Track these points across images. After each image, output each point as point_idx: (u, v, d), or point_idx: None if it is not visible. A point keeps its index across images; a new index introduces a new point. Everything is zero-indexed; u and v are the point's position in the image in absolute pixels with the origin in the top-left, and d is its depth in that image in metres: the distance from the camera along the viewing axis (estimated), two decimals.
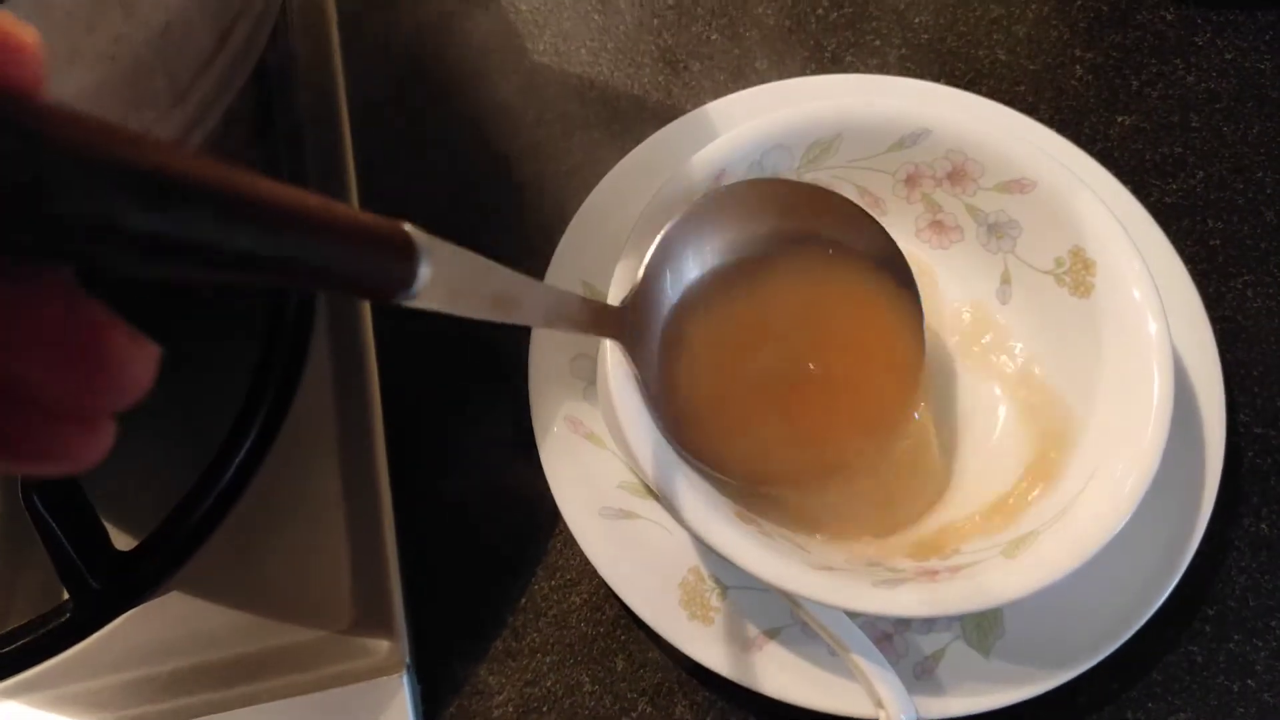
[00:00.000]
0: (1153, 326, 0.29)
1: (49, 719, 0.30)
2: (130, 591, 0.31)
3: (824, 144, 0.33)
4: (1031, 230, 0.33)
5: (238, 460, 0.33)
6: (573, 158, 0.39)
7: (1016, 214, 0.33)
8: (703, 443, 0.30)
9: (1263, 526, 0.33)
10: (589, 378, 0.34)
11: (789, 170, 0.34)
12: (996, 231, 0.33)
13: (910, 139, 0.33)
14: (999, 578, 0.27)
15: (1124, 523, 0.27)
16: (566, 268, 0.35)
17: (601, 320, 0.27)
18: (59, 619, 0.31)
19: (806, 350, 0.32)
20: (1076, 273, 0.32)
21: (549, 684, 0.31)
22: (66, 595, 0.31)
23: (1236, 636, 0.32)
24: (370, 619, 0.31)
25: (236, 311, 0.36)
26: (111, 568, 0.31)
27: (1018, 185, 0.32)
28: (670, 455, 0.29)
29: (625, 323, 0.28)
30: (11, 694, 0.30)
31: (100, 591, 0.31)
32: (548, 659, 0.32)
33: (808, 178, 0.34)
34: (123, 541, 0.32)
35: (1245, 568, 0.32)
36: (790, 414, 0.31)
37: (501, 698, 0.31)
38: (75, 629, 0.31)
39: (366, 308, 0.35)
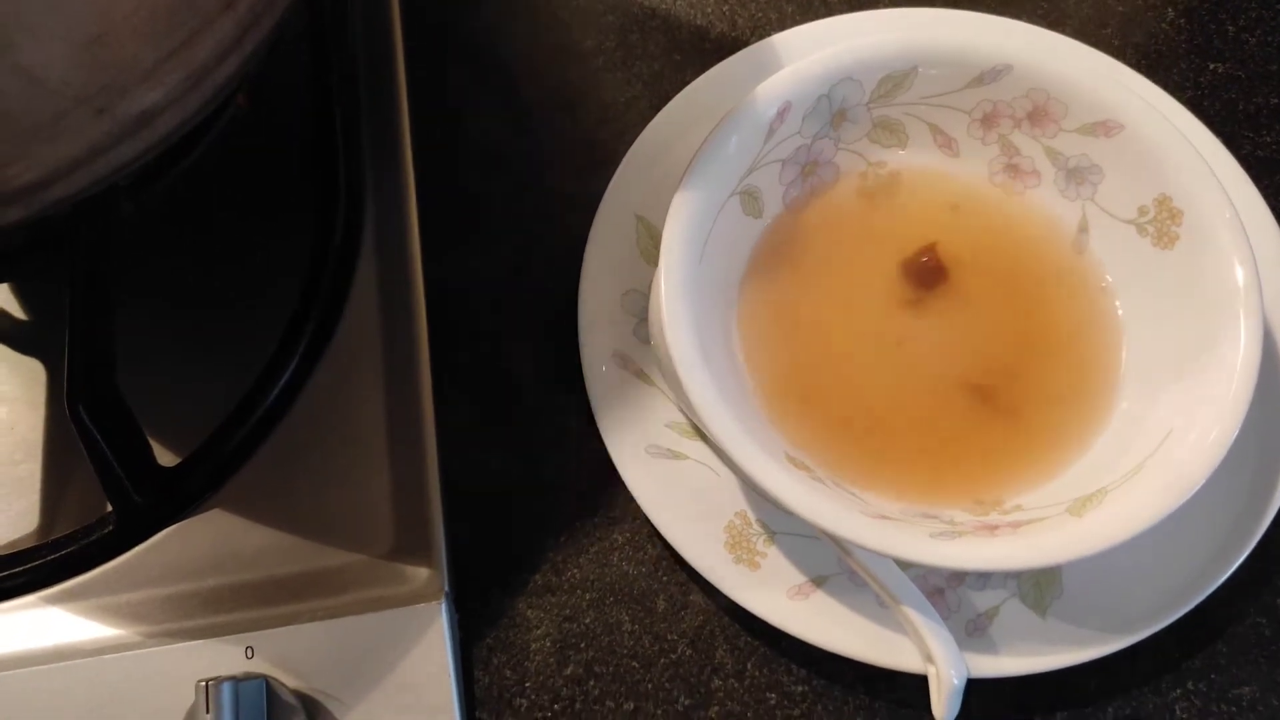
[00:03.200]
0: (1241, 276, 0.28)
1: (90, 627, 0.30)
2: (173, 507, 0.31)
3: (897, 78, 0.32)
4: (1115, 176, 0.31)
5: (283, 380, 0.33)
6: (631, 88, 0.37)
7: (1100, 158, 0.31)
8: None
9: None
10: (640, 314, 0.33)
11: (859, 105, 0.32)
12: (1077, 177, 0.32)
13: (990, 75, 0.31)
14: (1063, 535, 0.26)
15: (1196, 487, 0.26)
16: (620, 201, 0.34)
17: None
18: (102, 530, 0.31)
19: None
20: (1161, 222, 0.30)
21: (588, 621, 0.31)
22: (110, 508, 0.31)
23: None
24: (410, 545, 0.31)
25: (283, 233, 0.35)
26: (155, 482, 0.31)
27: (1103, 128, 0.30)
28: (720, 391, 0.28)
29: None
30: (53, 602, 0.30)
31: (143, 505, 0.31)
32: (587, 596, 0.31)
33: (878, 113, 0.33)
34: (166, 457, 0.32)
35: None
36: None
37: (539, 632, 0.31)
38: (117, 542, 0.31)
39: (415, 229, 0.35)
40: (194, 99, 0.28)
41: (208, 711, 0.26)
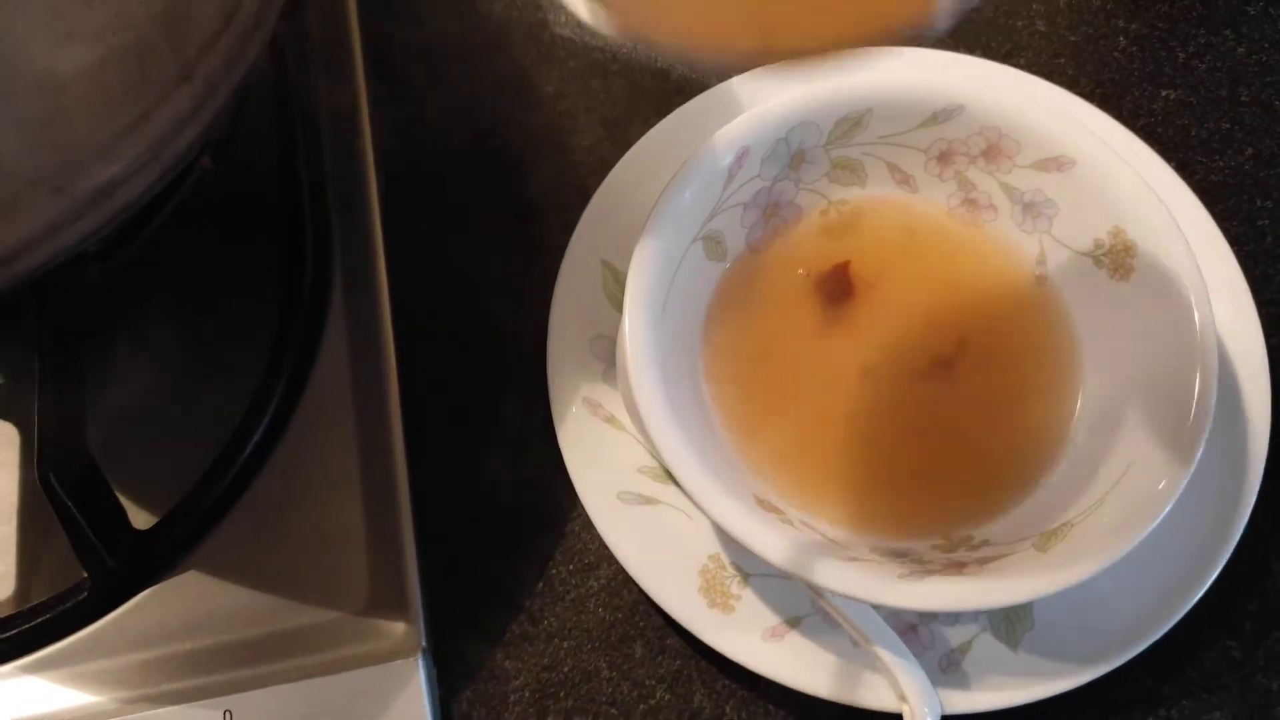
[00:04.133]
0: (1197, 314, 0.28)
1: (67, 695, 0.30)
2: (147, 570, 0.31)
3: (853, 119, 0.32)
4: (1069, 210, 0.31)
5: (254, 439, 0.33)
6: (594, 133, 0.38)
7: (1054, 193, 0.31)
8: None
9: None
10: (608, 359, 0.34)
11: (816, 146, 0.33)
12: (1033, 210, 0.32)
13: (943, 114, 0.32)
14: (1029, 572, 0.26)
15: (1162, 517, 0.26)
16: (585, 247, 0.34)
17: None
18: (77, 597, 0.31)
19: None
20: (1116, 254, 0.30)
21: (566, 669, 0.31)
22: (85, 574, 0.31)
23: (1277, 633, 0.31)
24: (386, 600, 0.31)
25: (252, 289, 0.35)
26: (129, 546, 0.31)
27: (1055, 163, 0.31)
28: (687, 438, 0.28)
29: None
30: (29, 671, 0.30)
31: (117, 570, 0.31)
32: (565, 644, 0.31)
33: (836, 154, 0.33)
34: (140, 520, 0.32)
35: None
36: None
37: (518, 682, 0.31)
38: (93, 607, 0.31)
39: (384, 284, 0.35)
40: (154, 169, 0.28)
41: None
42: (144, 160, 0.27)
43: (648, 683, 0.31)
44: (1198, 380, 0.27)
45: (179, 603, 0.31)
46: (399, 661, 0.30)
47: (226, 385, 0.34)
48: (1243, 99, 0.37)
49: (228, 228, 0.37)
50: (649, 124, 0.36)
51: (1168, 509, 0.26)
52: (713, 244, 0.32)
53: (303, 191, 0.36)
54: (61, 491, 0.30)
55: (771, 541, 0.26)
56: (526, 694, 0.31)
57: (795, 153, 0.33)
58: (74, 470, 0.31)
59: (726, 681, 0.31)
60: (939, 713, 0.27)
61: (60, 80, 0.23)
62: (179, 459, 0.33)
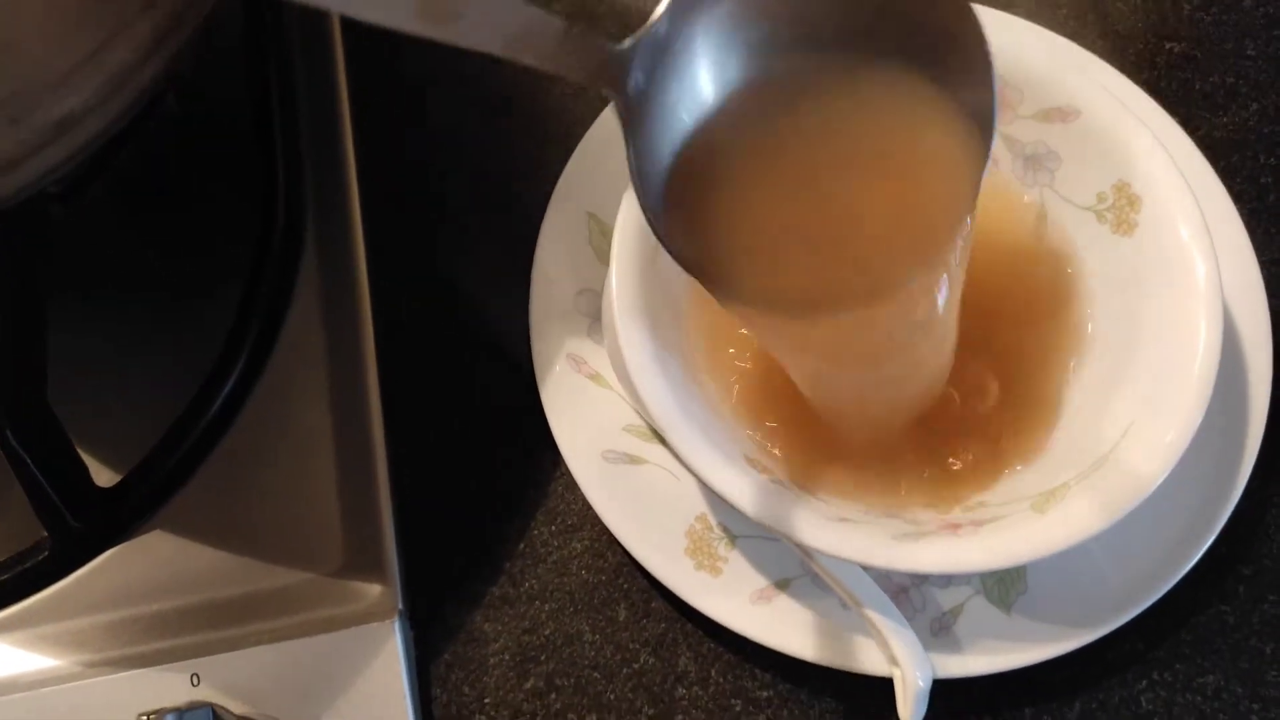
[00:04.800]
0: (1201, 269, 0.27)
1: (28, 659, 0.29)
2: (111, 530, 0.30)
3: None
4: (1072, 163, 0.30)
5: (224, 392, 0.31)
6: (574, 84, 0.36)
7: (1057, 145, 0.30)
8: (714, 259, 0.26)
9: None
10: (594, 314, 0.32)
11: None
12: (1034, 164, 0.31)
13: None
14: (1026, 534, 0.26)
15: (1161, 480, 0.25)
16: (570, 197, 0.33)
17: (589, 58, 0.18)
18: (36, 557, 0.30)
19: (836, 167, 0.28)
20: (1120, 209, 0.29)
21: (547, 632, 0.30)
22: (45, 533, 0.30)
23: (1272, 597, 0.30)
24: (361, 562, 0.30)
25: (222, 236, 0.34)
26: (91, 505, 0.30)
27: (1059, 114, 0.30)
28: (675, 395, 0.27)
29: (627, 73, 0.20)
30: None
31: (79, 530, 0.30)
32: (546, 606, 0.30)
33: None
34: (104, 476, 0.31)
35: None
36: (821, 226, 0.25)
37: (498, 645, 0.30)
38: (53, 568, 0.30)
39: (359, 233, 0.33)
40: (116, 103, 0.26)
41: None
42: (105, 93, 0.25)
43: (631, 646, 0.30)
44: (1201, 338, 0.27)
45: (144, 563, 0.30)
46: (375, 624, 0.29)
47: (195, 337, 0.32)
48: (1249, 53, 0.36)
49: (196, 171, 0.35)
50: None
51: (1168, 472, 0.26)
52: None
53: (275, 134, 0.34)
54: (19, 447, 0.29)
55: (760, 500, 0.26)
56: (506, 657, 0.30)
57: None
58: (32, 425, 0.29)
59: (713, 645, 0.30)
60: (930, 677, 0.27)
61: (12, 3, 0.22)
62: (144, 414, 0.31)
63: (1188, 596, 0.30)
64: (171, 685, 0.28)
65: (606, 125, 0.34)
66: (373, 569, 0.30)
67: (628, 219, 0.29)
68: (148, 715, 0.26)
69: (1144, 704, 0.29)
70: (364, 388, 0.32)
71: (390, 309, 0.33)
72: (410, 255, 0.34)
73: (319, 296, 0.33)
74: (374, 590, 0.29)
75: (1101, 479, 0.26)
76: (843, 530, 0.26)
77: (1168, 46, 0.36)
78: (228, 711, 0.27)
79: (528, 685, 0.30)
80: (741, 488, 0.26)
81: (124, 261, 0.34)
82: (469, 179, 0.35)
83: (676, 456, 0.28)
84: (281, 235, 0.33)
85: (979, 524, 0.27)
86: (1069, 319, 0.30)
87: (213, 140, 0.35)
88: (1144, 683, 0.29)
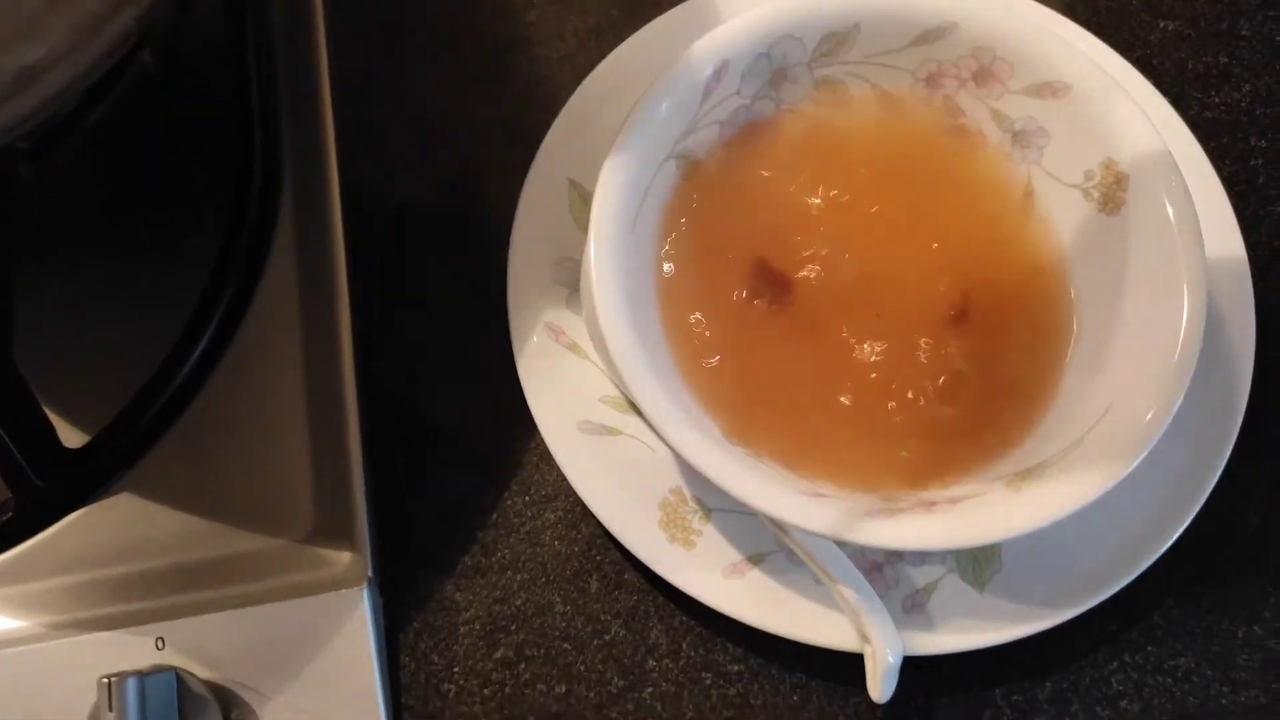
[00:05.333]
0: (1187, 251, 0.27)
1: None
2: (78, 491, 0.30)
3: (839, 35, 0.30)
4: (1061, 139, 0.30)
5: (196, 353, 0.31)
6: (565, 44, 0.36)
7: (1046, 121, 0.30)
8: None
9: None
10: (573, 283, 0.32)
11: (800, 63, 0.31)
12: (1022, 140, 0.30)
13: (935, 33, 0.30)
14: (1001, 512, 0.25)
15: (1137, 462, 0.25)
16: (552, 164, 0.32)
17: None
18: (1, 518, 0.29)
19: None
20: (1107, 187, 0.29)
21: (518, 602, 0.30)
22: (10, 494, 0.29)
23: (1246, 580, 0.30)
24: (331, 528, 0.29)
25: (198, 199, 0.33)
26: (58, 466, 0.30)
27: (1049, 89, 0.29)
28: (653, 366, 0.27)
29: None
30: None
31: (45, 490, 0.29)
32: (518, 577, 0.30)
33: (820, 73, 0.31)
34: (72, 438, 0.30)
35: (1261, 508, 0.31)
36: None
37: (468, 615, 0.30)
38: (18, 529, 0.29)
39: (336, 197, 0.33)
40: (85, 55, 0.25)
41: (111, 710, 0.25)
42: (72, 43, 0.25)
43: (603, 618, 0.30)
44: (1184, 320, 0.26)
45: (111, 526, 0.29)
46: (343, 591, 0.28)
47: (166, 297, 0.32)
48: (1243, 33, 0.35)
49: (172, 131, 0.34)
50: (624, 36, 0.33)
51: (1147, 451, 0.25)
52: (686, 163, 0.30)
53: (252, 95, 0.34)
54: None
55: (733, 474, 0.25)
56: (477, 626, 0.30)
57: (777, 69, 0.31)
58: None
59: (684, 618, 0.30)
60: (901, 654, 0.27)
61: None
62: (113, 375, 0.31)
63: (1162, 577, 0.29)
64: (136, 649, 0.28)
65: (591, 90, 0.33)
66: (343, 535, 0.29)
67: (608, 184, 0.28)
68: (109, 678, 0.25)
69: (1114, 685, 0.29)
70: (338, 353, 0.31)
71: (366, 274, 0.32)
72: (387, 220, 0.33)
73: (294, 260, 0.32)
74: (343, 557, 0.29)
75: (1078, 459, 0.26)
76: (816, 505, 0.25)
77: (1162, 25, 0.36)
78: (192, 676, 0.27)
79: (497, 655, 0.29)
80: (714, 460, 0.26)
81: (97, 221, 0.34)
82: (450, 144, 0.34)
83: (651, 427, 0.28)
84: (257, 198, 0.33)
85: (955, 501, 0.26)
86: (1055, 300, 0.30)
87: (189, 101, 0.34)
88: (1115, 664, 0.29)
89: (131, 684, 0.25)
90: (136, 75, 0.34)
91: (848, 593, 0.27)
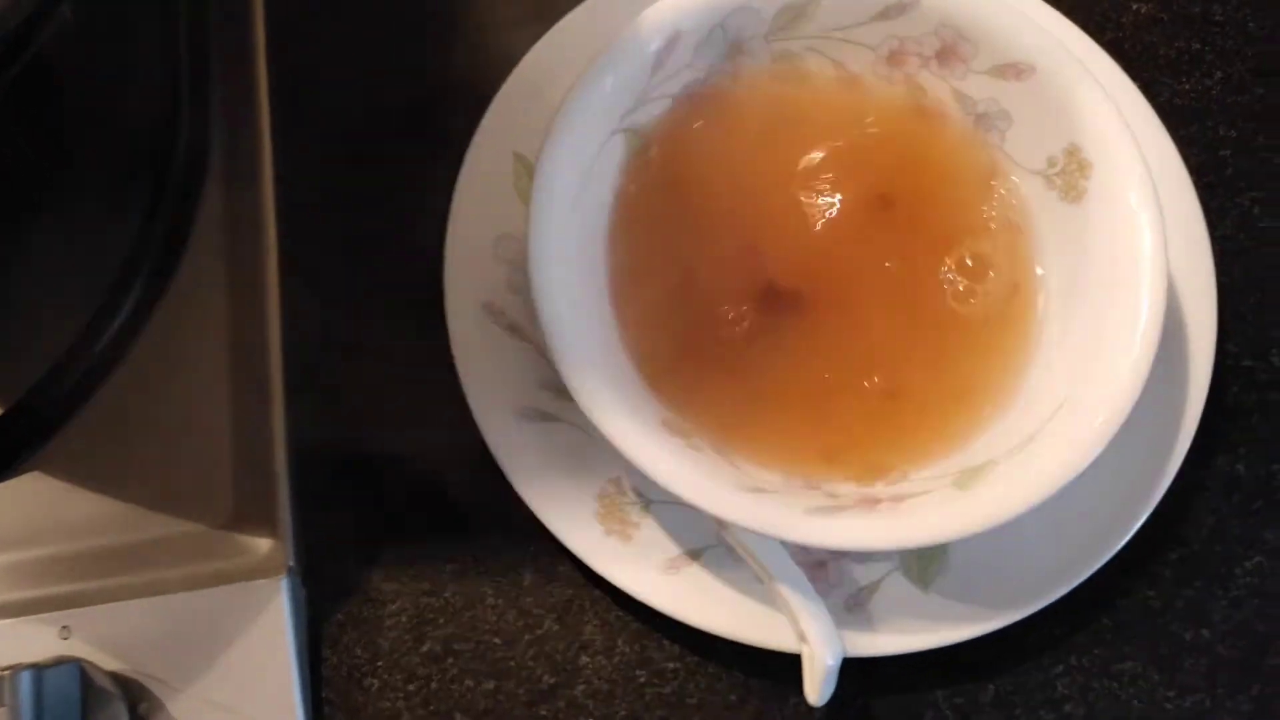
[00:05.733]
0: (1148, 242, 0.26)
1: None
2: None
3: (798, 7, 0.29)
4: (1024, 123, 0.29)
5: (112, 328, 0.29)
6: (515, 6, 0.34)
7: (1009, 103, 0.29)
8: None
9: (1239, 467, 0.30)
10: (515, 261, 0.30)
11: (756, 36, 0.29)
12: (984, 122, 0.29)
13: (897, 8, 0.29)
14: (946, 512, 0.24)
15: (1090, 461, 0.24)
16: (496, 135, 0.31)
17: None
18: None
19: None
20: (1070, 174, 0.28)
21: (448, 594, 0.29)
22: None
23: (1197, 583, 0.29)
24: (251, 514, 0.28)
25: (120, 162, 0.31)
26: None
27: (1013, 69, 0.28)
28: (590, 349, 0.25)
29: None
30: None
31: None
32: (449, 567, 0.29)
33: (778, 46, 0.30)
34: None
35: (1215, 510, 0.30)
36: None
37: (395, 606, 0.29)
38: None
39: (268, 165, 0.31)
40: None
41: (2, 705, 0.23)
42: None
43: (535, 612, 0.29)
44: (1143, 317, 0.25)
45: (17, 507, 0.28)
46: (261, 581, 0.27)
47: (83, 268, 0.30)
48: (1216, 18, 0.34)
49: (93, 92, 0.32)
50: (573, 3, 0.32)
51: (1098, 453, 0.24)
52: (635, 137, 0.29)
53: (180, 51, 0.32)
54: None
55: (669, 467, 0.24)
56: (404, 619, 0.28)
57: (733, 42, 0.29)
58: None
59: (620, 613, 0.29)
60: (840, 656, 0.26)
61: None
62: (24, 348, 0.29)
63: (1112, 579, 0.29)
64: (40, 638, 0.26)
65: (541, 56, 0.32)
66: (263, 522, 0.28)
67: (550, 158, 0.27)
68: (3, 671, 0.24)
69: (1059, 688, 0.28)
70: (265, 329, 0.30)
71: (296, 245, 0.31)
72: (321, 190, 0.32)
73: (221, 229, 0.31)
74: (263, 545, 0.28)
75: (1028, 458, 0.25)
76: (754, 502, 0.24)
77: (1134, 7, 0.35)
78: (96, 668, 0.26)
79: (424, 649, 0.28)
80: (649, 453, 0.24)
81: (10, 185, 0.32)
82: (389, 111, 0.33)
83: (584, 412, 0.27)
84: (184, 160, 0.31)
85: (899, 499, 0.25)
86: (1022, 291, 0.29)
87: (111, 56, 0.32)
88: (1061, 667, 0.29)
89: (26, 677, 0.24)
90: (56, 28, 0.32)
91: (786, 591, 0.26)
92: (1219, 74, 0.34)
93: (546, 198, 0.27)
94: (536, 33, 0.32)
